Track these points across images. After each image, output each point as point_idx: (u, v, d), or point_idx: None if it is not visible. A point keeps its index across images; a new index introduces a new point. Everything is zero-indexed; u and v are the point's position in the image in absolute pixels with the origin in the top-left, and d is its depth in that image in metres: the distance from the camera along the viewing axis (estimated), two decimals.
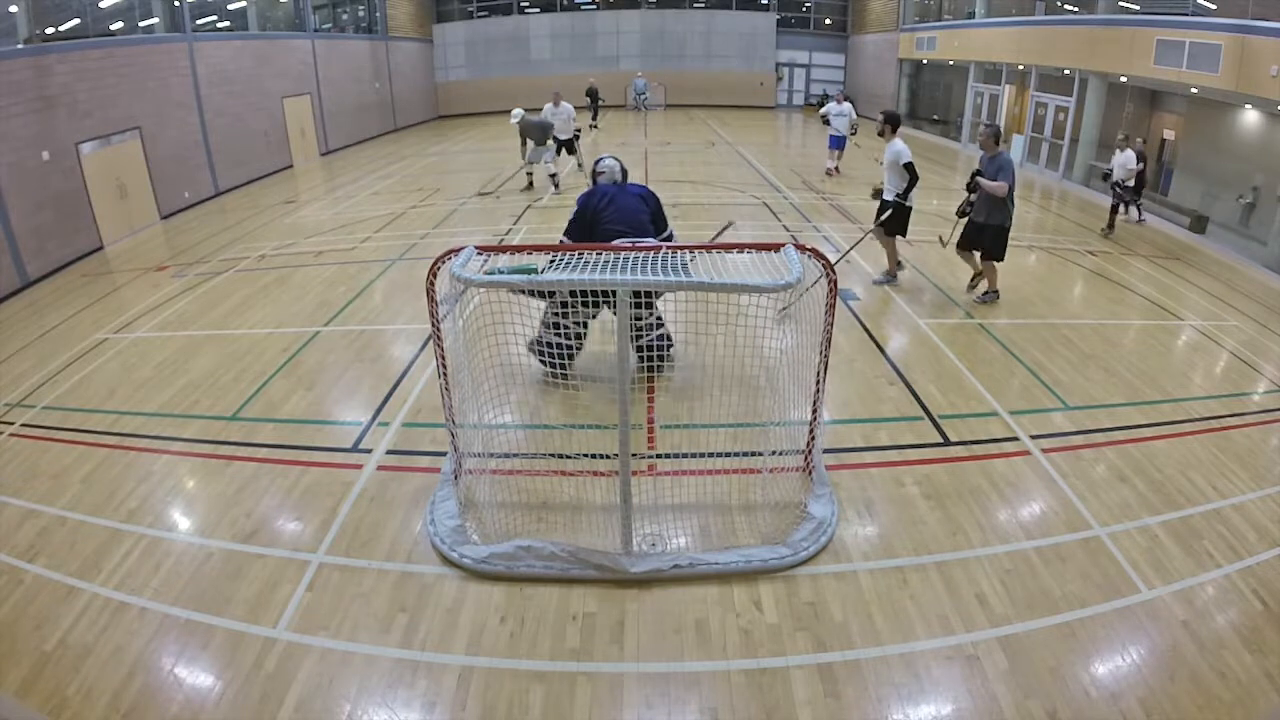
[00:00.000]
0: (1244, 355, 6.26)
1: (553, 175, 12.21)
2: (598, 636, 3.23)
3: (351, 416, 5.18)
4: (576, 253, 3.63)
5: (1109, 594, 3.43)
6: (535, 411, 5.10)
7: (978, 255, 7.14)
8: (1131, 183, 10.67)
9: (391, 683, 3.02)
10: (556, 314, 4.85)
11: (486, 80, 26.45)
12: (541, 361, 4.79)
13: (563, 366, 4.81)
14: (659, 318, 5.20)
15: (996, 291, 7.23)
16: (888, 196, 7.31)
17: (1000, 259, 7.00)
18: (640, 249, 3.65)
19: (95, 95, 10.30)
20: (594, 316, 5.08)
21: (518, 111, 11.62)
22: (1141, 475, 4.38)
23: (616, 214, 5.16)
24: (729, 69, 26.38)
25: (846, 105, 13.34)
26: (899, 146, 7.07)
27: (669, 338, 5.24)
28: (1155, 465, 4.49)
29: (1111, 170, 10.89)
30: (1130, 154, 10.56)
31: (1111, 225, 10.74)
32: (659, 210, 5.46)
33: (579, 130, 12.41)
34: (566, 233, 5.40)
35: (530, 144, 11.90)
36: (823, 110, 13.69)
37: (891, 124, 7.28)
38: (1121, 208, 10.97)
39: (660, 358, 5.34)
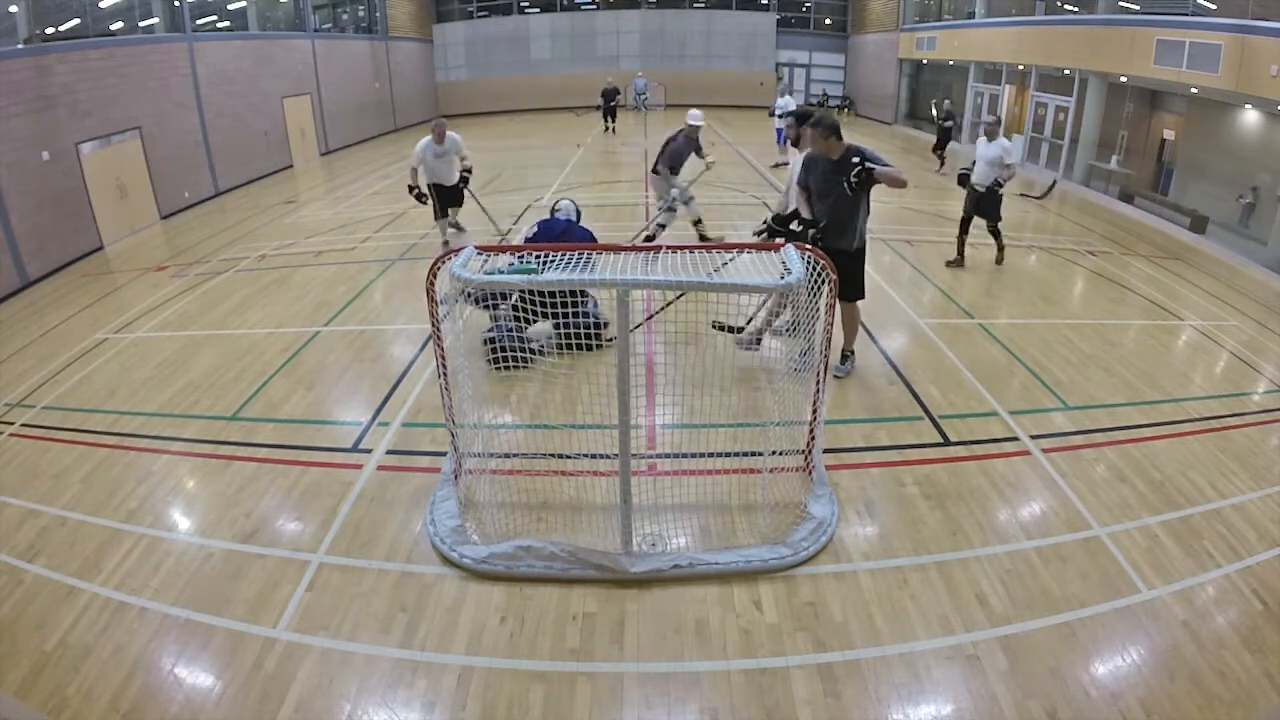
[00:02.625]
0: (1244, 355, 6.26)
1: (697, 223, 8.88)
2: (598, 636, 3.23)
3: (351, 416, 5.18)
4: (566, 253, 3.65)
5: (1109, 594, 3.43)
6: (535, 411, 5.10)
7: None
8: (1004, 183, 7.85)
9: (391, 683, 3.02)
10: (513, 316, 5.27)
11: (486, 80, 26.46)
12: (498, 362, 5.15)
13: (516, 362, 5.14)
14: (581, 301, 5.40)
15: (853, 352, 5.49)
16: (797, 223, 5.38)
17: (861, 295, 5.19)
18: (639, 249, 3.66)
19: (95, 95, 10.30)
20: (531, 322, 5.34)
21: (696, 114, 8.46)
22: (1141, 475, 4.38)
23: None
24: (729, 69, 26.38)
25: (788, 99, 14.52)
26: None
27: (595, 318, 5.60)
28: (1155, 465, 4.49)
29: (971, 168, 8.01)
30: (1005, 144, 7.81)
31: (962, 253, 8.15)
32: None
33: (467, 172, 8.90)
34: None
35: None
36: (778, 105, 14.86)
37: (834, 133, 4.89)
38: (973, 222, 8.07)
39: (591, 338, 5.33)
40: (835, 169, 4.87)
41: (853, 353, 5.58)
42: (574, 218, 6.35)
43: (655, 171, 8.51)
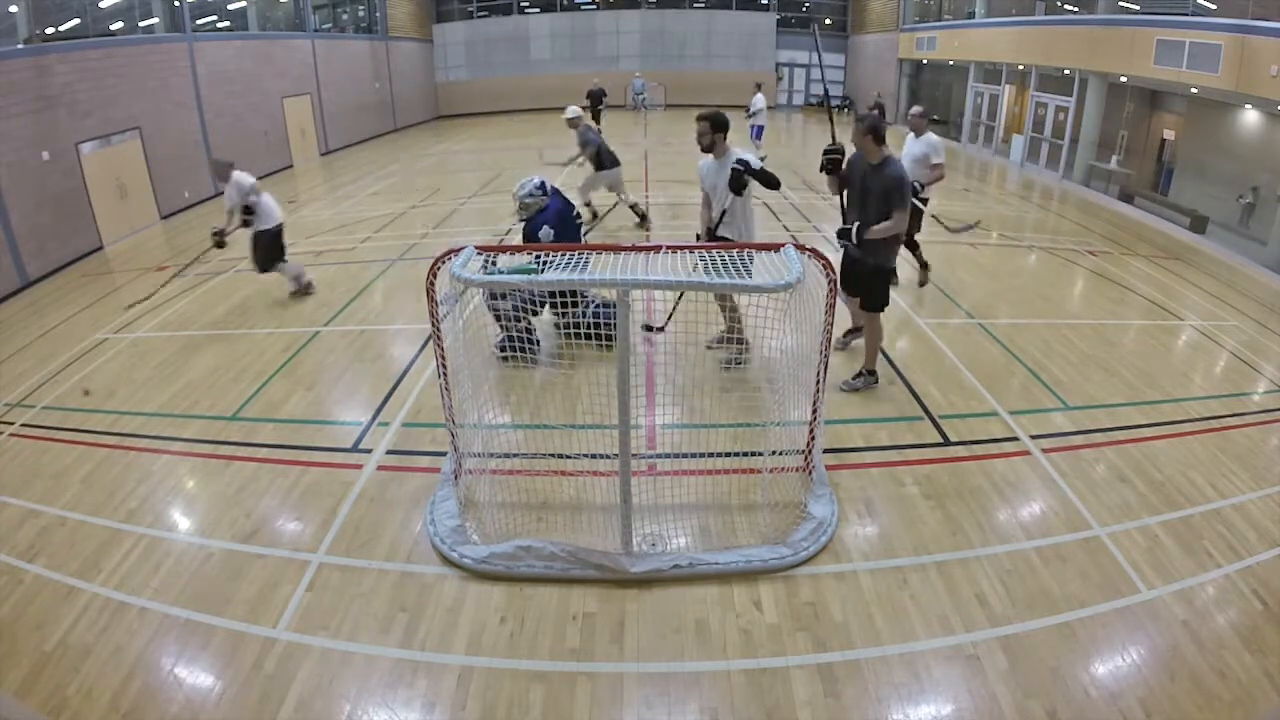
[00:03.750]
0: (1244, 355, 6.26)
1: (633, 206, 9.66)
2: (598, 636, 3.23)
3: (351, 416, 5.18)
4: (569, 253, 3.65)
5: (1109, 594, 3.43)
6: (535, 411, 5.10)
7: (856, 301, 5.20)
8: (924, 186, 6.75)
9: (391, 683, 3.02)
10: (514, 311, 5.40)
11: (486, 80, 26.47)
12: (506, 357, 5.47)
13: (529, 356, 5.56)
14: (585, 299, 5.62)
15: (874, 373, 5.23)
16: (730, 233, 5.16)
17: (883, 306, 5.05)
18: (639, 249, 3.66)
19: (95, 95, 10.30)
20: (536, 314, 5.70)
21: (571, 108, 9.68)
22: (1141, 475, 4.38)
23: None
24: (729, 69, 26.37)
25: (759, 97, 15.74)
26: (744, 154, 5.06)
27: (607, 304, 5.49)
28: (1155, 465, 4.49)
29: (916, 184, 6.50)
30: (934, 140, 6.81)
31: (924, 265, 7.21)
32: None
33: (248, 214, 7.09)
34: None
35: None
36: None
37: (872, 133, 4.69)
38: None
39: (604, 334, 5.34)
40: (874, 174, 4.69)
41: (873, 373, 5.25)
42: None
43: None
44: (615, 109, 25.34)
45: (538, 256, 3.67)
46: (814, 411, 4.01)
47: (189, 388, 5.67)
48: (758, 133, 15.81)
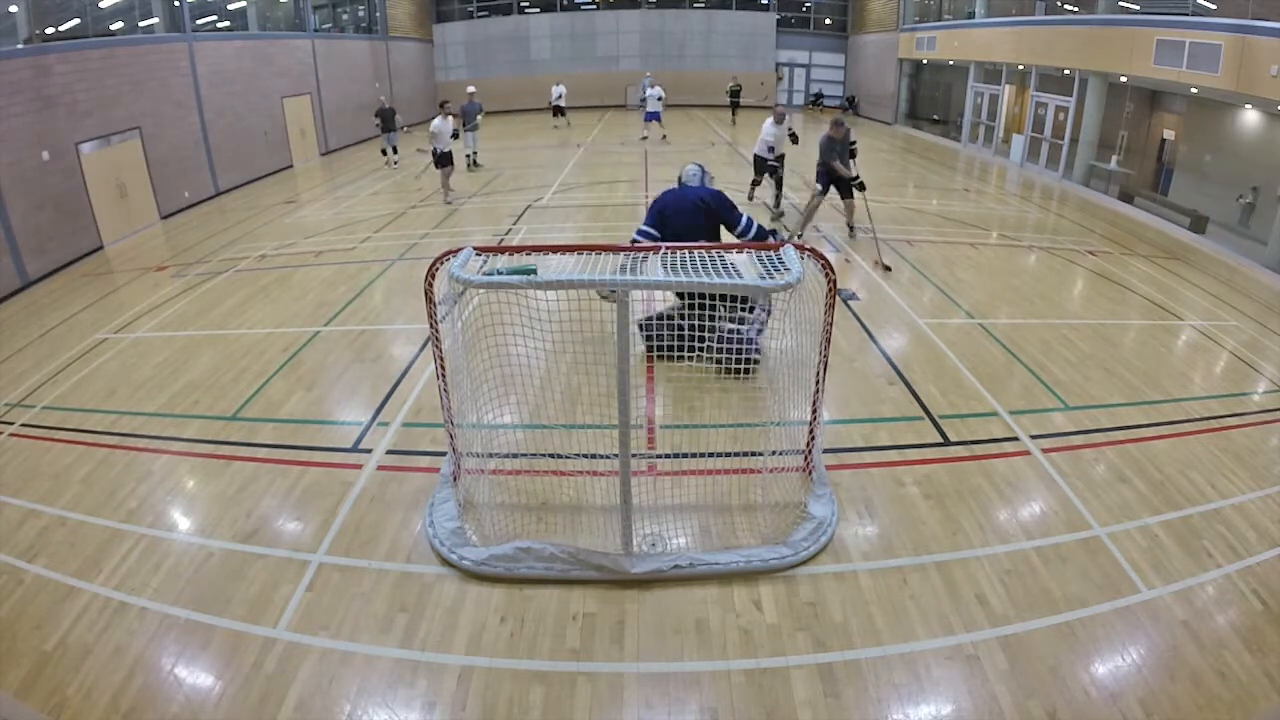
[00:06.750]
0: (1244, 355, 6.26)
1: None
2: (598, 636, 3.23)
3: (351, 416, 5.18)
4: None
5: (1109, 594, 3.43)
6: (535, 411, 5.10)
7: None
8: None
9: (391, 683, 3.03)
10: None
11: (486, 80, 26.39)
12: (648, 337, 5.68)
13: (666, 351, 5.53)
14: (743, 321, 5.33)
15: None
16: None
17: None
18: (642, 249, 3.66)
19: (95, 95, 10.30)
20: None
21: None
22: (1141, 475, 4.38)
23: (675, 214, 5.69)
24: (729, 69, 26.35)
25: (658, 89, 18.38)
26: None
27: (751, 344, 5.25)
28: (1155, 465, 4.49)
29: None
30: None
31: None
32: (719, 211, 5.67)
33: None
34: (646, 220, 5.80)
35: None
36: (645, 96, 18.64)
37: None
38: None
39: (740, 362, 5.18)
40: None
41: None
42: (694, 183, 5.85)
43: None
44: (617, 109, 25.42)
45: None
46: (814, 411, 4.01)
47: (189, 388, 5.67)
48: (653, 116, 18.70)
